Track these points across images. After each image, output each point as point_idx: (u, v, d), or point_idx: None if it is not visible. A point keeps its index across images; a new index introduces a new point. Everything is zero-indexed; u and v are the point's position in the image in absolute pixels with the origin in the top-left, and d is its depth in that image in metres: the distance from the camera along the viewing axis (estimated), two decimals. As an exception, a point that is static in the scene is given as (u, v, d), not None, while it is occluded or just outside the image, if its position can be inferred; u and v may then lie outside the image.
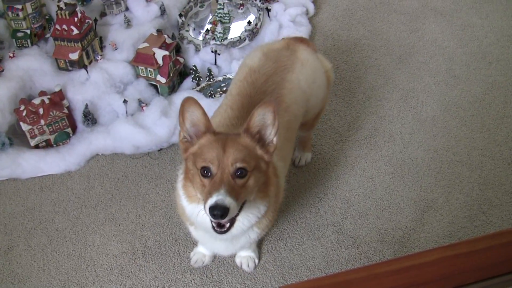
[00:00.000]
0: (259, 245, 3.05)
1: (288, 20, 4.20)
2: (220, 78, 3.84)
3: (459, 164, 3.45)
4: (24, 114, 3.38)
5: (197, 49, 3.97)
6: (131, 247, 3.08)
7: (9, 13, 3.69)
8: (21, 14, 3.68)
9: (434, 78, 3.99)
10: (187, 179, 2.28)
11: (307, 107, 2.82)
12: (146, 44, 3.71)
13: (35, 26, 3.78)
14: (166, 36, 3.78)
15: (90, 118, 3.53)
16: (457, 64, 4.09)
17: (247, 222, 2.31)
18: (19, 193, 3.35)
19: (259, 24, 4.10)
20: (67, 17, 3.56)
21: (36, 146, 3.49)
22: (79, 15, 3.60)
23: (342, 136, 3.61)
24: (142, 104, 3.60)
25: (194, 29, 4.15)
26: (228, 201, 2.03)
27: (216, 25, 4.01)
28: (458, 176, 3.39)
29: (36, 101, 3.45)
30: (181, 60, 3.84)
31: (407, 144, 3.56)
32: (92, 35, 3.71)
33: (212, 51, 3.89)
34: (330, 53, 4.13)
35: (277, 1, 4.36)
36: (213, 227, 2.18)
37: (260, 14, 4.15)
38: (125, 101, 3.54)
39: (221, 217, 2.03)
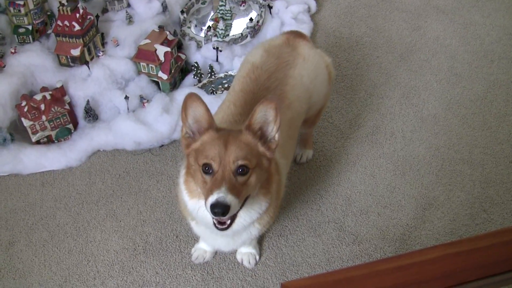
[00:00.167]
0: (260, 241, 3.05)
1: (290, 17, 4.20)
2: (222, 75, 3.84)
3: (461, 162, 3.45)
4: (25, 110, 3.38)
5: (199, 46, 3.97)
6: (132, 243, 3.08)
7: (11, 8, 3.69)
8: (22, 10, 3.68)
9: (436, 76, 3.99)
10: (188, 175, 2.28)
11: (309, 103, 2.82)
12: (147, 41, 3.70)
13: (36, 22, 3.77)
14: (167, 32, 3.77)
15: (92, 114, 3.53)
16: (459, 62, 4.08)
17: (248, 218, 2.32)
18: (21, 189, 3.35)
19: (261, 21, 4.10)
20: (69, 13, 3.55)
21: (38, 142, 3.49)
22: (81, 11, 3.59)
23: (344, 134, 3.61)
24: (143, 100, 3.60)
25: (195, 26, 4.14)
26: (229, 198, 2.03)
27: (218, 22, 4.01)
28: (459, 174, 3.39)
29: (38, 97, 3.45)
30: (183, 56, 3.84)
31: (409, 141, 3.56)
32: (93, 31, 3.70)
33: (213, 48, 3.89)
34: (331, 51, 4.12)
35: (279, -2, 4.36)
36: (214, 224, 2.18)
37: (262, 11, 4.14)
38: (126, 98, 3.54)
39: (222, 215, 2.03)
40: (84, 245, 3.08)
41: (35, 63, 3.63)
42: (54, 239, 3.11)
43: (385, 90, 3.88)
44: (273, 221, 2.55)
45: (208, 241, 2.77)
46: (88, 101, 3.52)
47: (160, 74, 3.66)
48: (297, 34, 2.97)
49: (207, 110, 2.17)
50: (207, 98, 3.60)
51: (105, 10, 4.03)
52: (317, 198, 3.27)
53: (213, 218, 2.16)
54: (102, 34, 3.83)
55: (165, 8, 4.00)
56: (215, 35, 3.96)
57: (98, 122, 3.57)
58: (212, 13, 4.24)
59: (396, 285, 1.65)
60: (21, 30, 3.74)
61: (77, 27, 3.57)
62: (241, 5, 4.25)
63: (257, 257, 2.98)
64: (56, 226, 3.17)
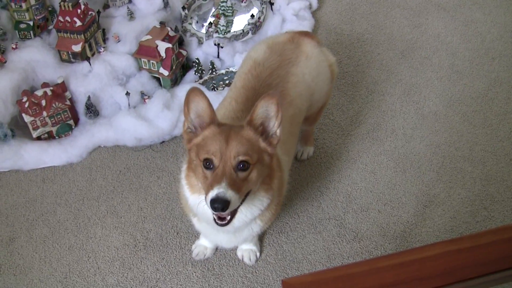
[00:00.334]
0: (261, 238, 3.05)
1: (291, 14, 4.19)
2: (223, 71, 3.84)
3: (461, 159, 3.45)
4: (26, 105, 3.38)
5: (200, 42, 3.96)
6: (132, 239, 3.09)
7: (12, 4, 3.68)
8: (24, 6, 3.67)
9: (437, 73, 3.98)
10: (190, 170, 2.28)
11: (311, 101, 2.82)
12: (149, 37, 3.70)
13: (38, 17, 3.77)
14: (169, 28, 3.77)
15: (93, 110, 3.53)
16: (460, 60, 4.08)
17: (250, 214, 2.32)
18: (21, 185, 3.35)
19: (262, 18, 4.09)
20: (70, 9, 3.55)
21: (38, 138, 3.49)
22: (82, 7, 3.59)
23: (345, 131, 3.60)
24: (144, 96, 3.60)
25: (197, 22, 4.14)
26: (229, 194, 2.03)
27: (219, 18, 4.00)
28: (460, 171, 3.39)
29: (39, 92, 3.44)
30: (184, 53, 3.84)
31: (409, 139, 3.56)
32: (95, 27, 3.70)
33: (215, 44, 3.89)
34: (333, 48, 4.12)
35: (280, -6, 4.35)
36: (214, 219, 2.18)
37: (263, 7, 4.14)
38: (127, 94, 3.54)
39: (222, 210, 2.03)
40: (85, 241, 3.08)
41: (36, 59, 3.63)
42: (54, 235, 3.11)
43: (386, 87, 3.88)
44: (275, 217, 2.56)
45: (210, 238, 2.78)
46: (89, 97, 3.52)
47: (161, 70, 3.66)
48: (303, 33, 2.97)
49: (210, 105, 2.17)
50: (208, 94, 3.55)
51: (106, 6, 4.03)
52: (317, 195, 3.27)
53: (213, 213, 2.16)
54: (103, 30, 3.82)
55: (166, 4, 3.99)
56: (216, 32, 3.96)
57: (99, 118, 3.57)
58: (213, 10, 4.23)
59: (397, 282, 1.65)
60: (23, 25, 3.74)
61: (79, 23, 3.56)
62: (242, 2, 4.24)
63: (258, 254, 2.99)
64: (56, 222, 3.17)
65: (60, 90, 3.49)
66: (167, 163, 3.43)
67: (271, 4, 4.22)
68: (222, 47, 3.88)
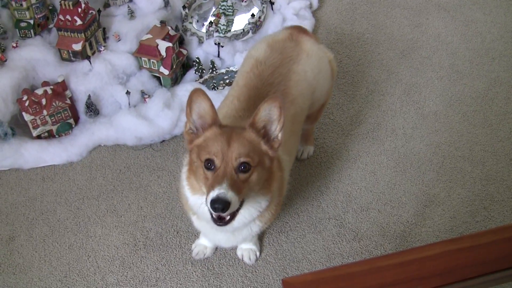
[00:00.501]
0: (261, 238, 3.05)
1: (291, 13, 4.19)
2: (223, 71, 3.84)
3: (461, 159, 3.45)
4: (26, 104, 3.38)
5: (200, 41, 3.96)
6: (132, 238, 3.09)
7: (13, 3, 3.68)
8: (24, 4, 3.67)
9: (437, 73, 3.98)
10: (191, 171, 2.28)
11: (312, 99, 2.82)
12: (149, 36, 3.70)
13: (38, 16, 3.76)
14: (169, 27, 3.77)
15: (93, 109, 3.53)
16: (460, 60, 4.08)
17: (248, 215, 2.32)
18: (21, 183, 3.35)
19: (262, 17, 4.09)
20: (71, 7, 3.55)
21: (38, 137, 3.49)
22: (83, 5, 3.59)
23: (345, 130, 3.61)
24: (144, 95, 3.60)
25: (197, 21, 4.14)
26: (230, 195, 2.03)
27: (219, 17, 4.00)
28: (460, 171, 3.39)
29: (39, 91, 3.44)
30: (184, 52, 3.84)
31: (410, 138, 3.56)
32: (95, 26, 3.70)
33: (215, 44, 3.89)
34: (333, 47, 4.12)
35: (281, -6, 4.35)
36: (214, 220, 2.18)
37: (263, 7, 4.14)
38: (128, 93, 3.54)
39: (222, 211, 2.03)
40: (85, 240, 3.08)
41: (36, 58, 3.63)
42: (54, 234, 3.11)
43: (386, 87, 3.88)
44: (275, 217, 2.56)
45: (209, 237, 2.78)
46: (89, 96, 3.52)
47: (162, 69, 3.66)
48: (300, 29, 2.97)
49: (212, 106, 2.17)
50: (208, 94, 3.56)
51: (107, 5, 4.03)
52: (317, 195, 3.27)
53: (212, 214, 2.15)
54: (104, 28, 3.82)
55: (167, 3, 3.99)
56: (217, 31, 3.96)
57: (99, 117, 3.56)
58: (214, 9, 4.23)
59: (397, 281, 1.65)
60: (23, 24, 3.73)
61: (79, 22, 3.56)
62: (242, 1, 4.24)
63: (258, 253, 2.99)
64: (56, 221, 3.17)
65: (60, 89, 3.48)
66: (167, 162, 3.43)
67: (272, 3, 4.22)
68: (222, 46, 3.89)
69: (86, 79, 3.59)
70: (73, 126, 3.55)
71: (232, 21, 4.07)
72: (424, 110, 3.73)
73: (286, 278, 1.64)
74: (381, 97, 3.81)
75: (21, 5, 3.67)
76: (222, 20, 3.97)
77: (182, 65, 3.82)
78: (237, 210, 2.16)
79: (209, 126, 2.19)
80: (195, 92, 2.14)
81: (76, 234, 3.11)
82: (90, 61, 3.64)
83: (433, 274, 1.66)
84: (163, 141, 3.54)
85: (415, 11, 4.49)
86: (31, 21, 3.74)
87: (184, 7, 4.08)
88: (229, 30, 3.99)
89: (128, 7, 3.90)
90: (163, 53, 3.62)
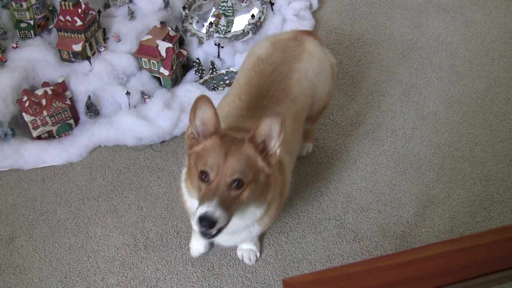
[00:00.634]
0: (261, 238, 3.05)
1: (291, 14, 4.20)
2: (223, 71, 3.84)
3: (461, 160, 3.45)
4: (26, 104, 3.38)
5: (201, 42, 3.96)
6: (132, 239, 3.09)
7: (13, 3, 3.68)
8: (24, 5, 3.67)
9: (437, 74, 3.99)
10: (189, 174, 2.28)
11: (313, 98, 2.82)
12: (149, 36, 3.70)
13: (38, 16, 3.77)
14: (169, 28, 3.77)
15: (93, 109, 3.53)
16: (460, 60, 4.09)
17: (243, 223, 2.33)
18: (21, 184, 3.35)
19: (262, 18, 4.10)
20: (71, 8, 3.55)
21: (38, 137, 3.49)
22: (83, 6, 3.59)
23: (345, 131, 3.61)
24: (145, 96, 3.60)
25: (197, 22, 4.14)
26: (218, 213, 2.03)
27: (219, 18, 4.00)
28: (460, 172, 3.39)
29: (39, 92, 3.44)
30: (184, 52, 3.84)
31: (409, 139, 3.56)
32: (95, 27, 3.70)
33: (215, 44, 3.89)
34: (333, 48, 4.12)
35: (281, -6, 4.35)
36: (200, 232, 2.14)
37: (263, 7, 4.14)
38: (128, 93, 3.54)
39: (209, 228, 2.04)
40: (85, 241, 3.08)
41: (36, 58, 3.63)
42: (54, 235, 3.11)
43: (386, 88, 3.88)
44: (274, 220, 2.57)
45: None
46: (89, 96, 3.52)
47: (162, 70, 3.66)
48: (306, 32, 2.98)
49: (216, 114, 2.16)
50: (208, 94, 3.58)
51: (107, 6, 4.03)
52: (317, 195, 3.28)
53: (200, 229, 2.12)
54: (104, 29, 3.82)
55: (167, 3, 3.99)
56: (217, 32, 3.96)
57: (99, 118, 3.56)
58: (214, 9, 4.23)
59: (397, 281, 1.66)
60: (23, 24, 3.74)
61: (79, 22, 3.56)
62: (243, 2, 4.24)
63: (258, 254, 2.99)
64: (56, 221, 3.17)
65: (60, 89, 3.49)
66: (167, 162, 3.43)
67: (272, 4, 4.22)
68: (222, 47, 3.89)
69: (86, 80, 3.59)
70: (73, 126, 3.55)
71: (232, 22, 4.08)
72: (424, 111, 3.73)
73: (287, 279, 1.64)
74: (381, 98, 3.81)
75: (21, 5, 3.67)
76: (222, 21, 3.97)
77: (182, 65, 3.82)
78: (225, 225, 2.14)
79: (210, 134, 2.18)
80: (200, 99, 2.13)
81: (76, 234, 3.11)
82: (90, 62, 3.65)
83: (433, 274, 1.66)
84: (163, 141, 3.54)
85: (415, 11, 4.49)
86: (31, 22, 3.74)
87: (184, 7, 4.08)
88: (229, 31, 4.00)
89: (128, 7, 3.91)
90: (163, 53, 3.62)
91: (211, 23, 4.01)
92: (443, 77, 3.96)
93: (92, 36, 3.68)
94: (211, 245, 3.02)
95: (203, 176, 2.11)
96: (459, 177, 3.37)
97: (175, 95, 3.63)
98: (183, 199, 2.43)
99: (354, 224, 3.15)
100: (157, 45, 3.62)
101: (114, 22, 3.92)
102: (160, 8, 3.96)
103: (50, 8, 3.88)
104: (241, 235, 2.49)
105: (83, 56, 3.64)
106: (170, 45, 3.62)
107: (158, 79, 3.74)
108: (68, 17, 3.56)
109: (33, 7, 3.71)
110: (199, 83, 3.74)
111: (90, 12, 3.67)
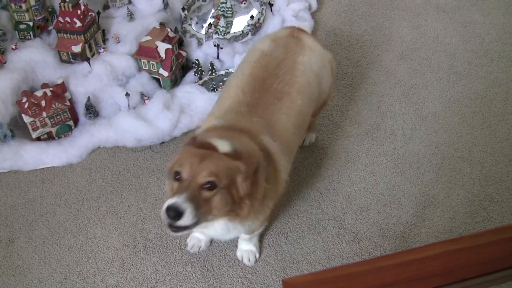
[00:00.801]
0: (260, 239, 3.05)
1: (291, 15, 4.20)
2: (223, 72, 3.85)
3: (460, 160, 3.46)
4: (26, 106, 3.38)
5: (200, 43, 3.97)
6: (132, 240, 3.09)
7: (12, 4, 3.68)
8: (24, 6, 3.67)
9: (436, 75, 3.99)
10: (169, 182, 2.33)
11: (320, 90, 2.84)
12: (149, 37, 3.70)
13: (37, 18, 3.77)
14: (169, 29, 3.77)
15: (92, 110, 3.53)
16: (459, 61, 4.09)
17: (225, 228, 2.35)
18: (21, 185, 3.35)
19: (261, 19, 4.10)
20: (70, 9, 3.55)
21: (38, 138, 3.49)
22: (82, 7, 3.59)
23: (344, 131, 3.61)
24: (144, 97, 3.60)
25: (196, 23, 4.15)
26: (186, 206, 2.05)
27: (219, 19, 4.01)
28: (459, 172, 3.40)
29: (38, 93, 3.44)
30: (184, 53, 3.84)
31: (409, 139, 3.57)
32: (95, 28, 3.70)
33: (214, 45, 3.89)
34: (332, 49, 4.13)
35: (280, -5, 4.36)
36: (168, 225, 2.15)
37: (263, 8, 4.14)
38: (127, 94, 3.54)
39: (173, 219, 2.05)
40: (84, 242, 3.08)
41: (36, 59, 3.63)
42: (54, 236, 3.11)
43: (385, 88, 3.89)
44: (263, 223, 2.64)
45: (205, 231, 2.79)
46: (88, 97, 3.52)
47: (161, 71, 3.66)
48: (299, 29, 3.00)
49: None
50: (207, 95, 3.61)
51: (106, 7, 4.03)
52: (317, 196, 3.28)
53: (166, 220, 2.12)
54: (103, 30, 3.82)
55: (166, 5, 4.00)
56: (216, 33, 3.96)
57: (99, 119, 3.57)
58: (213, 11, 4.24)
59: (397, 281, 1.66)
60: (22, 26, 3.74)
61: (78, 24, 3.56)
62: (242, 3, 4.25)
63: (257, 255, 2.99)
64: (56, 223, 3.17)
65: (59, 91, 3.49)
66: (167, 163, 3.42)
67: (271, 5, 4.22)
68: (221, 48, 3.89)
69: (86, 81, 3.59)
70: (73, 127, 3.56)
71: (231, 23, 4.08)
72: (423, 111, 3.74)
73: (287, 279, 1.65)
74: (380, 99, 3.82)
75: (21, 7, 3.67)
76: (221, 22, 3.98)
77: (181, 66, 3.82)
78: (191, 227, 2.14)
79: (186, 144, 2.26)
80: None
81: (75, 235, 3.11)
82: (89, 63, 3.65)
83: (433, 274, 1.66)
84: (163, 142, 3.54)
85: (414, 12, 4.50)
86: (31, 23, 3.74)
87: (183, 9, 4.09)
88: (228, 32, 4.00)
89: (128, 9, 3.91)
90: (163, 54, 3.62)
91: (210, 24, 4.01)
92: (442, 78, 3.96)
93: (91, 37, 3.68)
94: (210, 241, 3.03)
95: (177, 175, 2.14)
96: (458, 177, 3.37)
97: (175, 96, 3.63)
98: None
99: (354, 225, 3.15)
100: (157, 46, 3.63)
101: (113, 23, 3.92)
102: (159, 9, 3.97)
103: (50, 9, 3.89)
104: (238, 228, 2.48)
105: (82, 57, 3.65)
106: (170, 46, 3.62)
107: (158, 80, 3.74)
108: (67, 19, 3.57)
109: (33, 8, 3.71)
110: (199, 84, 3.74)
111: (90, 13, 3.67)
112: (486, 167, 3.42)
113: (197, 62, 3.77)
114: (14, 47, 3.66)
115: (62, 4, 3.57)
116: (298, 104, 2.64)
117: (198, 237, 2.99)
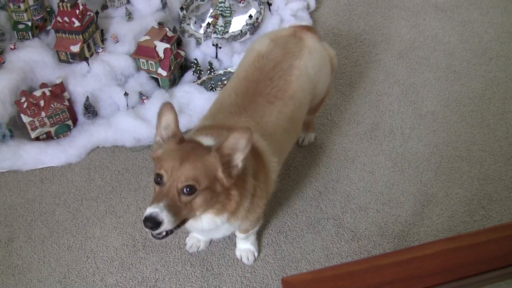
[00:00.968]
0: (259, 238, 3.05)
1: (289, 14, 4.20)
2: (221, 72, 3.85)
3: (459, 159, 3.46)
4: (25, 106, 3.38)
5: (198, 43, 3.97)
6: (131, 239, 3.09)
7: (11, 4, 3.68)
8: (22, 6, 3.67)
9: (435, 74, 3.99)
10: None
11: (313, 94, 2.84)
12: (147, 37, 3.70)
13: (36, 18, 3.77)
14: (167, 29, 3.77)
15: (91, 110, 3.53)
16: (458, 60, 4.09)
17: (212, 224, 2.33)
18: (20, 185, 3.35)
19: (260, 18, 4.10)
20: (69, 9, 3.55)
21: (37, 138, 3.49)
22: (81, 7, 3.59)
23: (343, 131, 3.61)
24: (143, 97, 3.60)
25: (195, 23, 4.15)
26: (163, 215, 2.05)
27: (217, 18, 4.00)
28: (458, 171, 3.40)
29: (37, 93, 3.44)
30: (182, 53, 3.84)
31: (407, 138, 3.57)
32: (93, 28, 3.70)
33: (213, 45, 3.89)
34: (331, 48, 4.13)
35: (278, -5, 4.36)
36: (150, 233, 2.18)
37: (261, 8, 4.14)
38: (126, 94, 3.54)
39: (152, 229, 2.06)
40: (84, 242, 3.09)
41: (34, 59, 3.63)
42: (53, 236, 3.11)
43: (383, 87, 3.89)
44: (260, 216, 2.62)
45: (202, 234, 2.80)
46: (87, 97, 3.52)
47: (160, 70, 3.66)
48: (305, 27, 3.00)
49: (176, 119, 2.20)
50: (206, 95, 3.61)
51: (104, 7, 4.03)
52: (316, 195, 3.28)
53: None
54: (102, 30, 3.83)
55: (164, 4, 4.00)
56: (215, 32, 3.96)
57: (98, 119, 3.57)
58: (211, 10, 4.24)
59: (396, 279, 1.66)
60: (21, 26, 3.74)
61: (77, 23, 3.56)
62: (240, 2, 4.25)
63: (256, 254, 2.99)
64: (55, 222, 3.17)
65: (58, 91, 3.49)
66: (166, 163, 3.43)
67: (269, 4, 4.22)
68: (220, 48, 3.89)
69: (84, 81, 3.59)
70: (72, 127, 3.56)
71: (229, 22, 4.08)
72: (421, 110, 3.74)
73: (286, 277, 1.65)
74: (378, 98, 3.82)
75: (19, 7, 3.68)
76: (220, 22, 3.98)
77: (180, 66, 3.82)
78: (176, 227, 2.15)
79: (169, 138, 2.22)
80: (165, 106, 2.19)
81: (75, 235, 3.11)
82: (88, 63, 3.65)
83: (433, 272, 1.66)
84: (162, 142, 3.53)
85: (412, 11, 4.50)
86: (29, 23, 3.74)
87: (182, 8, 4.09)
88: (227, 31, 4.00)
89: (126, 8, 3.91)
90: (161, 54, 3.62)
91: (208, 24, 4.01)
92: (440, 77, 3.97)
93: (90, 37, 3.68)
94: (210, 241, 3.04)
95: (158, 178, 2.14)
96: (457, 176, 3.38)
97: (173, 95, 3.63)
98: None
99: (353, 224, 3.15)
100: (155, 46, 3.63)
101: (112, 23, 3.92)
102: (158, 9, 3.97)
103: (48, 9, 3.89)
104: (233, 224, 2.49)
105: (81, 57, 3.64)
106: (168, 46, 3.63)
107: (156, 80, 3.74)
108: (66, 18, 3.57)
109: (31, 8, 3.72)
110: (197, 83, 3.74)
111: (88, 13, 3.67)
112: (485, 166, 3.43)
113: (195, 62, 3.77)
114: (12, 47, 3.66)
115: (60, 4, 3.56)
116: (289, 109, 2.65)
117: (197, 237, 2.99)
